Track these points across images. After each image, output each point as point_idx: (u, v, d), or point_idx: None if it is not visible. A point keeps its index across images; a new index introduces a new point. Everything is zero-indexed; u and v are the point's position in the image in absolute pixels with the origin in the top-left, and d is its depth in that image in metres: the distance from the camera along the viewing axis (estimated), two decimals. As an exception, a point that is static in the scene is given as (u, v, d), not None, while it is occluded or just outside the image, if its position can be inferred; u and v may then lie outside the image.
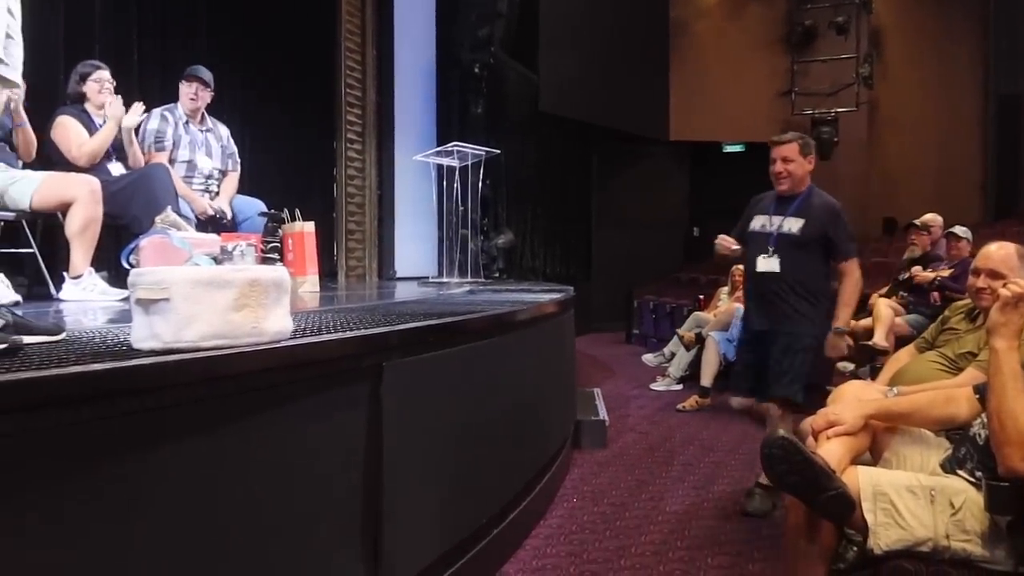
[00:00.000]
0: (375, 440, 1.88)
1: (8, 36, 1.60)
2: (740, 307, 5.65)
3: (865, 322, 5.57)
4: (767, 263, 3.19)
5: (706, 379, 5.48)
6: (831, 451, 1.85)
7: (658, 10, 11.87)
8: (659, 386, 6.25)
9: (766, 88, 12.06)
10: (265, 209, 4.28)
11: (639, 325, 9.80)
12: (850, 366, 5.73)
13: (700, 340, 5.89)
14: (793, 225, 3.17)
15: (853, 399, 2.09)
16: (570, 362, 4.44)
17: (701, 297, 7.71)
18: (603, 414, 4.60)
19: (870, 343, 5.16)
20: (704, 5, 12.32)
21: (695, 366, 5.96)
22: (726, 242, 3.38)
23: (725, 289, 7.01)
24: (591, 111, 10.20)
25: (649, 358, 6.99)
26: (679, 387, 6.16)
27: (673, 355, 6.48)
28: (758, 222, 3.28)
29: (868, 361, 5.37)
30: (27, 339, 1.48)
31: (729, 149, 12.63)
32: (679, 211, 12.56)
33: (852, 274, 3.18)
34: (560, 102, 9.47)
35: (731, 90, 11.90)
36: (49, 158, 3.63)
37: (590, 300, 10.15)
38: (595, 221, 11.70)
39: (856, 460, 1.92)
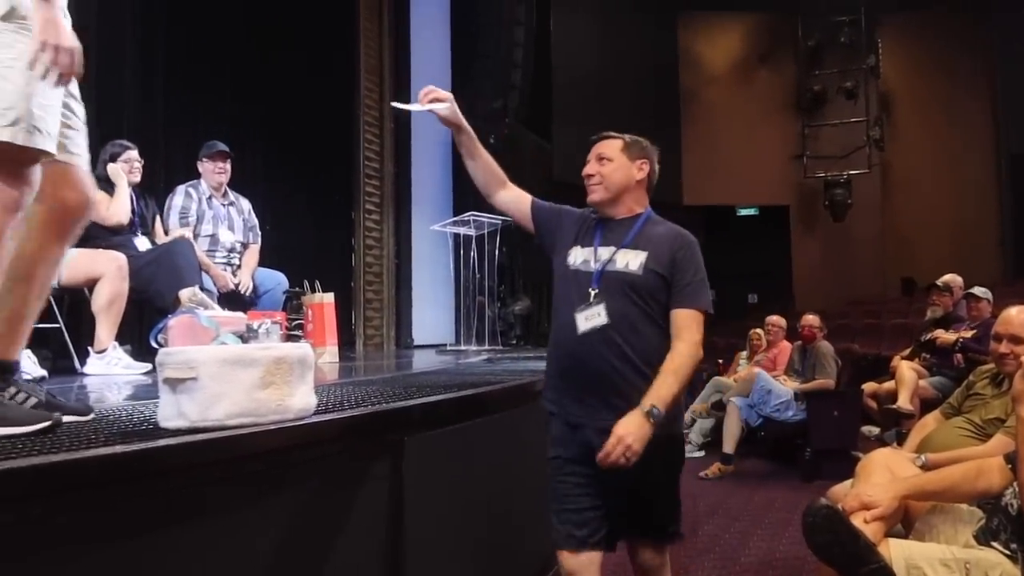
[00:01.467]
0: (396, 515, 1.87)
1: (70, 127, 1.65)
2: (761, 371, 5.63)
3: (888, 385, 5.51)
4: (590, 316, 2.03)
5: (728, 446, 5.40)
6: (865, 524, 1.82)
7: (668, 78, 12.14)
8: (680, 453, 6.14)
9: (778, 152, 12.21)
10: (285, 280, 4.35)
11: (658, 390, 9.70)
12: (875, 430, 5.65)
13: (721, 407, 5.82)
14: (631, 260, 2.07)
15: (884, 470, 2.06)
16: (590, 430, 4.39)
17: (720, 362, 7.65)
18: (625, 483, 4.53)
19: (894, 406, 5.09)
20: (714, 73, 12.58)
21: (716, 432, 5.88)
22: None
23: (744, 353, 6.96)
24: (604, 177, 10.33)
25: (669, 424, 6.90)
26: (700, 454, 6.06)
27: (694, 422, 6.40)
28: (578, 256, 2.15)
29: (893, 425, 5.29)
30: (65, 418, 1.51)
31: (743, 213, 12.72)
32: (695, 275, 12.55)
33: (692, 333, 2.01)
34: (574, 170, 9.53)
35: (743, 155, 12.05)
36: (88, 234, 3.71)
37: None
38: (611, 286, 11.72)
39: (889, 531, 1.88)
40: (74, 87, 1.68)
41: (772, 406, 5.33)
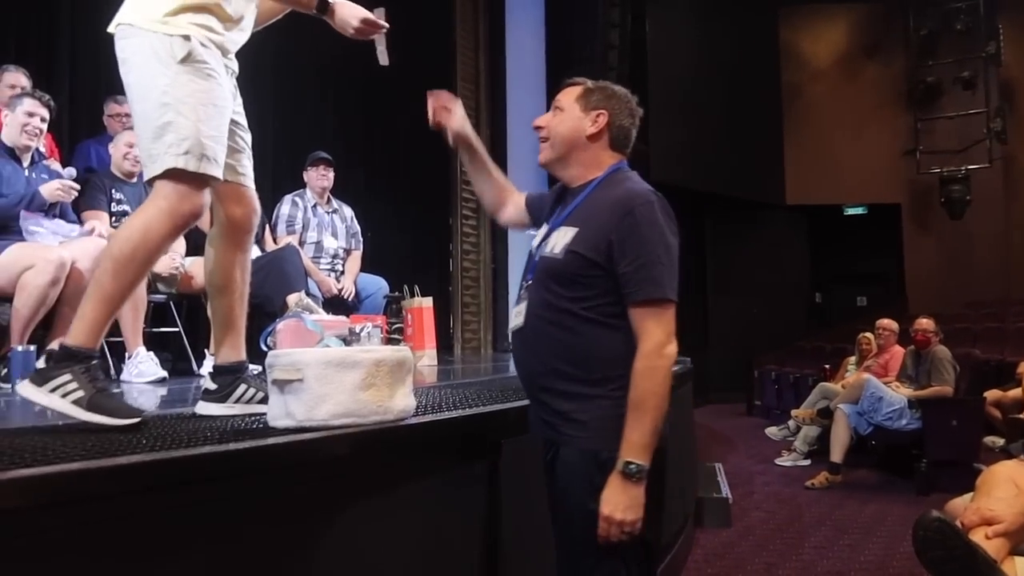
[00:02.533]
0: (494, 516, 1.89)
1: (239, 151, 1.86)
2: (871, 378, 5.39)
3: (1014, 393, 5.20)
4: (515, 314, 1.69)
5: (836, 455, 5.18)
6: (987, 540, 1.71)
7: (769, 74, 11.80)
8: (785, 461, 5.95)
9: (888, 148, 11.66)
10: (386, 285, 4.47)
11: (761, 396, 9.44)
12: (999, 441, 5.33)
13: (828, 414, 5.59)
14: (559, 241, 1.63)
15: (1008, 484, 1.92)
16: (689, 435, 4.32)
17: (827, 367, 7.37)
18: (726, 491, 4.43)
19: (1021, 416, 4.80)
20: (818, 68, 12.14)
21: (823, 440, 5.65)
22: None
23: (853, 359, 6.68)
24: (703, 178, 10.14)
25: (773, 431, 6.71)
26: (807, 462, 5.85)
27: (799, 428, 6.19)
28: (537, 239, 1.75)
29: (1019, 436, 4.98)
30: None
31: (850, 212, 12.22)
32: (799, 277, 12.16)
33: (649, 338, 1.51)
34: (671, 171, 9.47)
35: (850, 151, 11.57)
36: (197, 244, 3.93)
37: (707, 370, 9.88)
38: (710, 288, 11.50)
39: (1013, 550, 1.76)
40: (241, 117, 1.88)
41: (884, 414, 5.08)
